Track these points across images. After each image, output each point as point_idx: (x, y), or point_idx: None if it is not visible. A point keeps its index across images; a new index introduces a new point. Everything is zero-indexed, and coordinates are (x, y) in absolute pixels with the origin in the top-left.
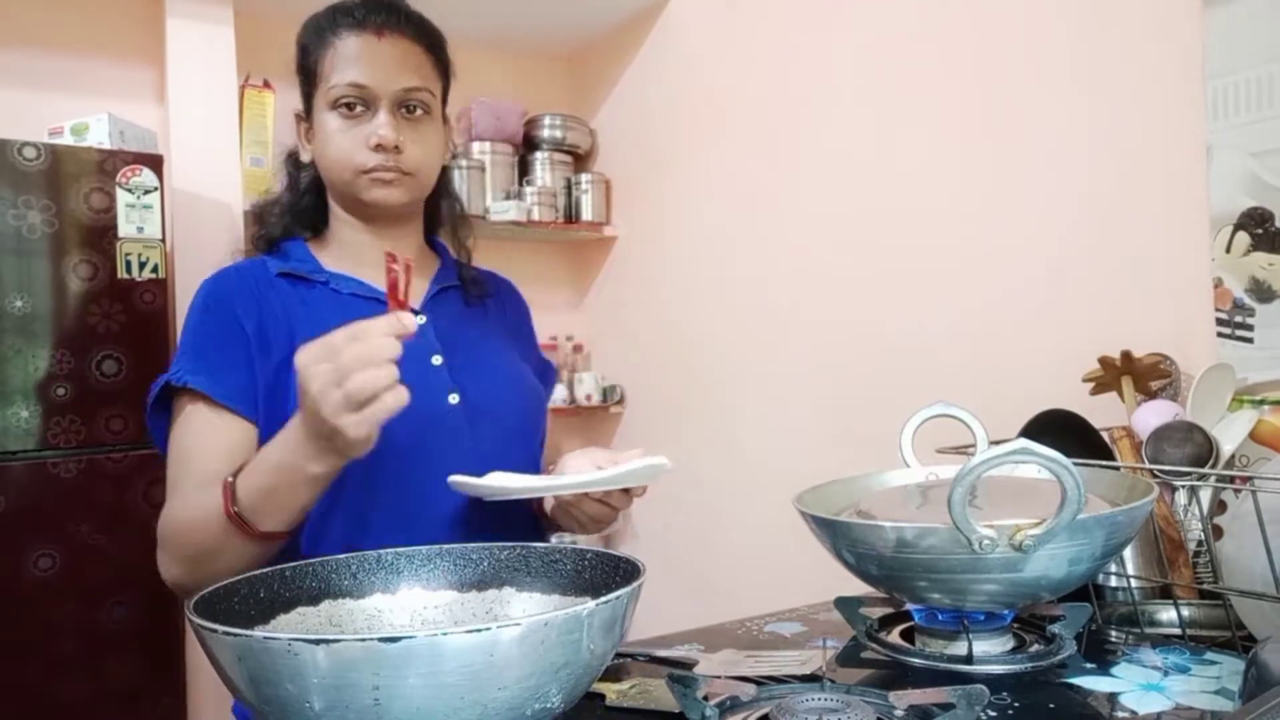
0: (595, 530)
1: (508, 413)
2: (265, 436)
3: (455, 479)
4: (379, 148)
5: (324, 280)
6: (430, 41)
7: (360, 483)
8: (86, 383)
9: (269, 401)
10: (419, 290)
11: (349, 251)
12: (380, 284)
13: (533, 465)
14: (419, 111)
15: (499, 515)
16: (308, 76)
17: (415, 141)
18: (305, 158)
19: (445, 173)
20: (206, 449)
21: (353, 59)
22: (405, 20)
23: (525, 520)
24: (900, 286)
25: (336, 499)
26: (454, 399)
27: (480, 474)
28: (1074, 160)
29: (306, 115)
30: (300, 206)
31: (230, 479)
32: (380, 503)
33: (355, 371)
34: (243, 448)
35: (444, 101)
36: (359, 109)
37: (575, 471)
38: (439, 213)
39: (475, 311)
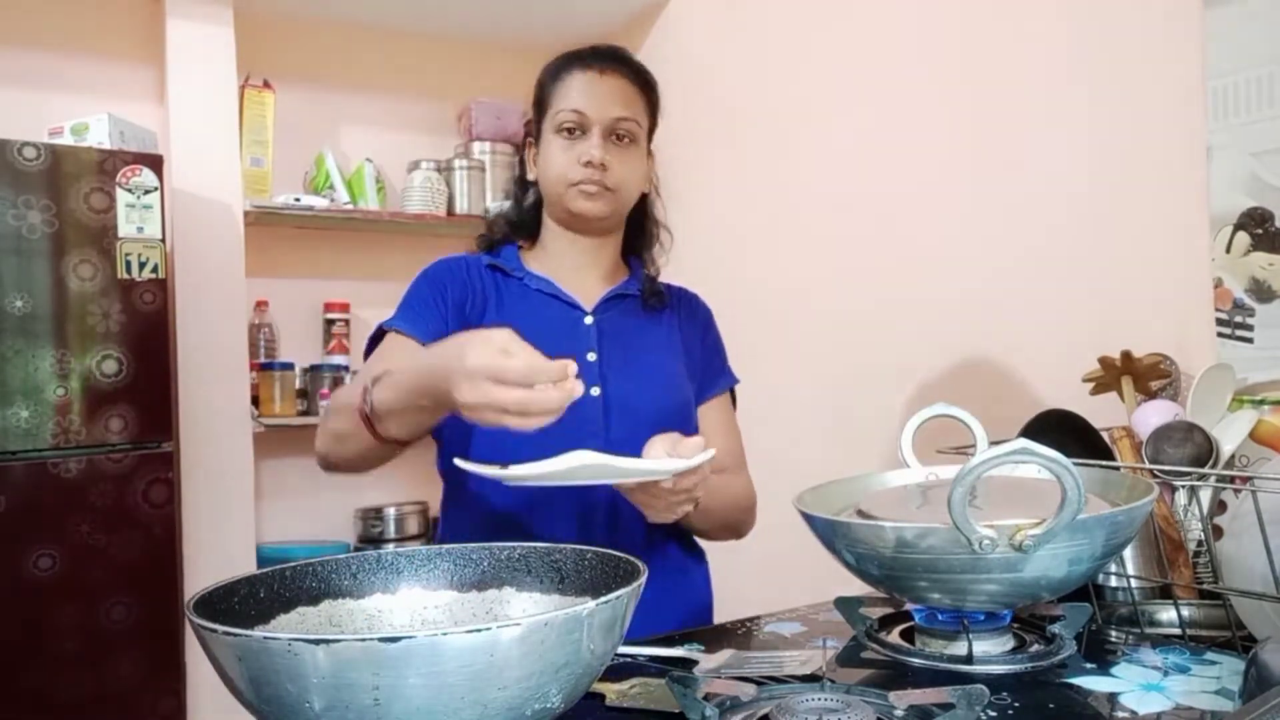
0: (674, 517)
1: (645, 408)
2: None
3: (460, 461)
4: (588, 164)
5: (520, 277)
6: (644, 83)
7: (501, 453)
8: (86, 383)
9: None
10: (598, 294)
11: (551, 256)
12: (566, 285)
13: None
14: (627, 139)
15: (614, 503)
16: (540, 108)
17: (620, 163)
18: (530, 177)
19: (646, 199)
20: (387, 358)
21: (577, 91)
22: (625, 64)
23: (632, 518)
24: (900, 286)
25: (484, 460)
26: (595, 391)
27: None
28: (1074, 160)
29: (535, 141)
30: (520, 220)
31: (369, 383)
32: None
33: (505, 409)
34: None
35: (650, 137)
36: (577, 133)
37: (653, 455)
38: (641, 236)
39: (648, 318)
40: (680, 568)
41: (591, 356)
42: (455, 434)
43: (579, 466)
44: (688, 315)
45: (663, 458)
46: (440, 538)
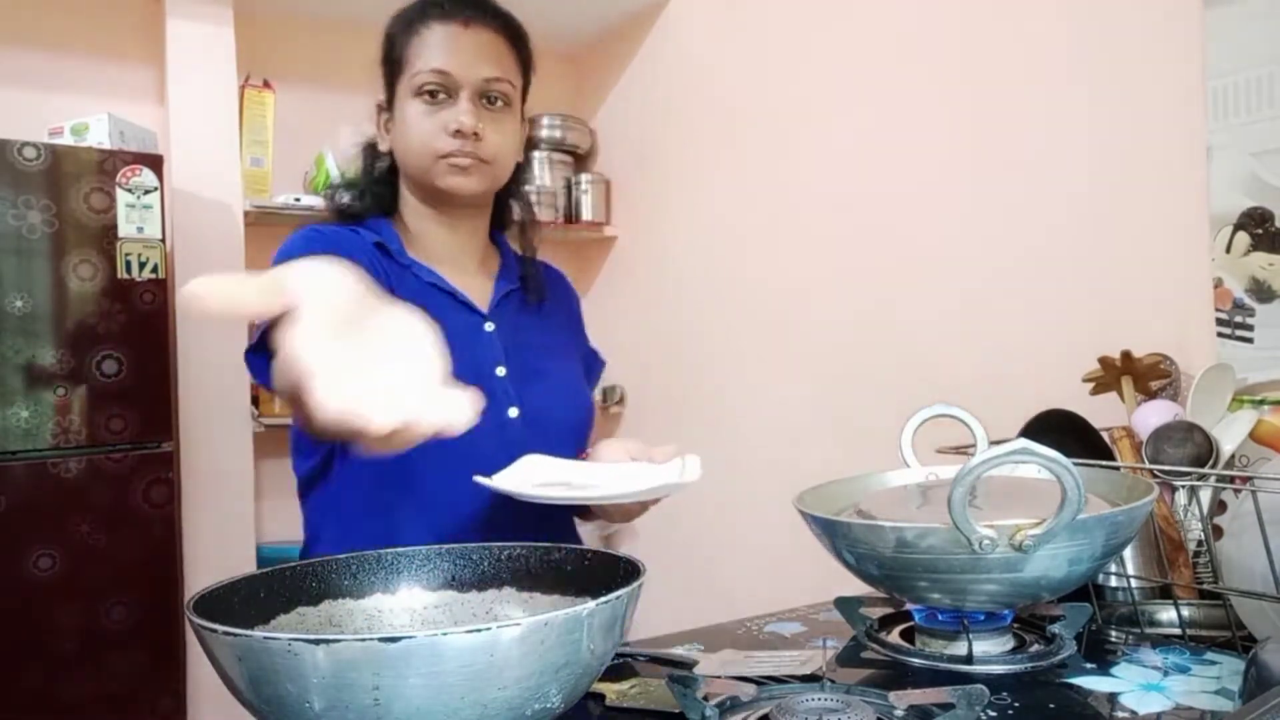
0: (626, 521)
1: (563, 427)
2: None
3: (480, 478)
4: (458, 134)
5: (406, 264)
6: (514, 35)
7: (403, 489)
8: (86, 383)
9: None
10: (485, 291)
11: (422, 242)
12: (450, 278)
13: None
14: (499, 103)
15: (538, 519)
16: (392, 66)
17: (494, 130)
18: (383, 147)
19: (519, 170)
20: None
21: (438, 47)
22: (491, 14)
23: (563, 516)
24: (900, 286)
25: (374, 503)
26: (513, 412)
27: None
28: (1074, 160)
29: (388, 105)
30: (373, 193)
31: None
32: (425, 509)
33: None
34: None
35: (524, 97)
36: (441, 96)
37: (609, 460)
38: (506, 210)
39: (534, 314)
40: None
41: (501, 371)
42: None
43: (601, 494)
44: (563, 297)
45: (626, 461)
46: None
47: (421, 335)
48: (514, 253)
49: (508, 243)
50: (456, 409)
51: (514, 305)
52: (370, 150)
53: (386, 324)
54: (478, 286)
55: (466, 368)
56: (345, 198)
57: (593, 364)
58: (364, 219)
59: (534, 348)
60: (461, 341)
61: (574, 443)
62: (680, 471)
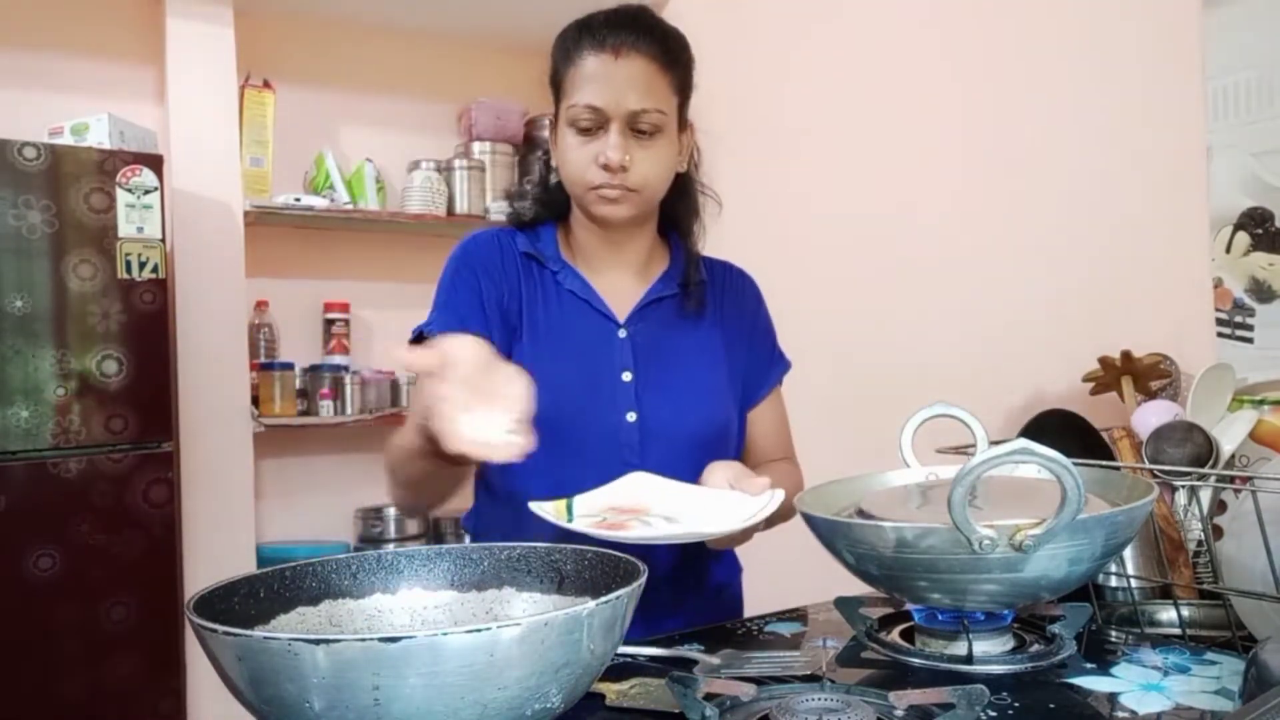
0: (725, 547)
1: (683, 433)
2: None
3: (534, 505)
4: (605, 168)
5: (555, 270)
6: (668, 58)
7: (535, 480)
8: (86, 383)
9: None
10: (634, 296)
11: (581, 248)
12: (600, 285)
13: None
14: (649, 131)
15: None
16: (555, 90)
17: (643, 159)
18: (555, 160)
19: (683, 177)
20: None
21: (590, 80)
22: (645, 37)
23: (696, 551)
24: (900, 286)
25: (514, 490)
26: (631, 417)
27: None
28: (1074, 160)
29: (555, 122)
30: (550, 200)
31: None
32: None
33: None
34: None
35: (683, 109)
36: (592, 129)
37: (712, 483)
38: (677, 211)
39: (686, 324)
40: (723, 580)
41: (627, 376)
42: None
43: (645, 515)
44: (734, 303)
45: (724, 488)
46: (475, 535)
47: (515, 390)
48: (684, 254)
49: (680, 246)
50: (499, 448)
51: (661, 314)
52: (544, 160)
53: (496, 380)
54: (627, 292)
55: (592, 371)
56: (520, 204)
57: (766, 367)
58: (534, 225)
59: (670, 357)
60: (592, 347)
61: (696, 451)
62: (765, 506)
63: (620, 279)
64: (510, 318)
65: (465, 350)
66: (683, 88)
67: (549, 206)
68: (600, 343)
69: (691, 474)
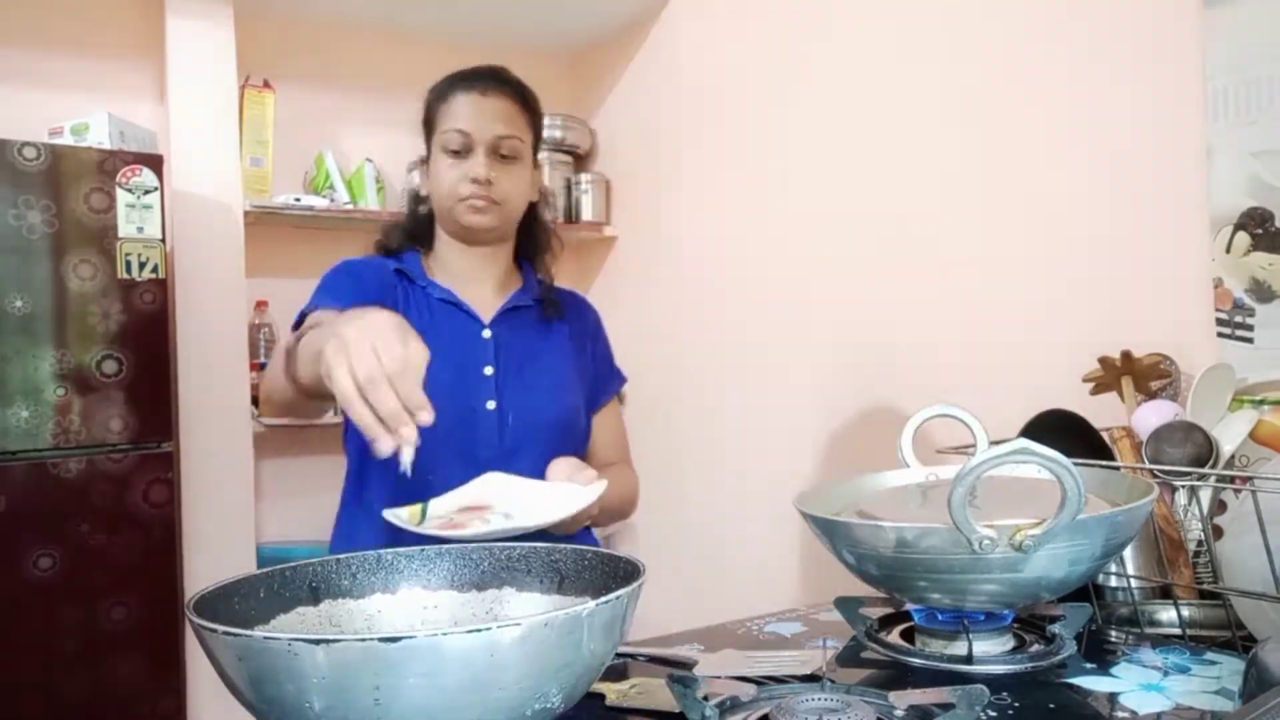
0: (574, 530)
1: (539, 419)
2: None
3: (387, 513)
4: (474, 181)
5: (424, 285)
6: (524, 102)
7: (389, 471)
8: (86, 383)
9: None
10: (494, 306)
11: (447, 266)
12: (465, 294)
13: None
14: (510, 156)
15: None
16: (428, 127)
17: (505, 178)
18: (424, 192)
19: (534, 207)
20: None
21: (460, 112)
22: (506, 84)
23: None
24: (900, 286)
25: (381, 474)
26: (490, 405)
27: (507, 470)
28: (1074, 160)
29: (426, 159)
30: (416, 229)
31: (293, 342)
32: (413, 485)
33: (357, 377)
34: None
35: (535, 150)
36: (462, 152)
37: (555, 476)
38: (531, 241)
39: (542, 328)
40: None
41: (489, 370)
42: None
43: (487, 514)
44: (577, 320)
45: (562, 480)
46: (333, 547)
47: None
48: (535, 278)
49: (531, 269)
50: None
51: (520, 319)
52: (414, 196)
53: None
54: (489, 302)
55: (458, 364)
56: (389, 237)
57: (608, 376)
58: (398, 252)
59: (528, 354)
60: (458, 343)
61: (550, 433)
62: (585, 495)
63: (482, 292)
64: None
65: (384, 315)
66: (536, 130)
67: (414, 235)
68: (467, 341)
69: (544, 457)
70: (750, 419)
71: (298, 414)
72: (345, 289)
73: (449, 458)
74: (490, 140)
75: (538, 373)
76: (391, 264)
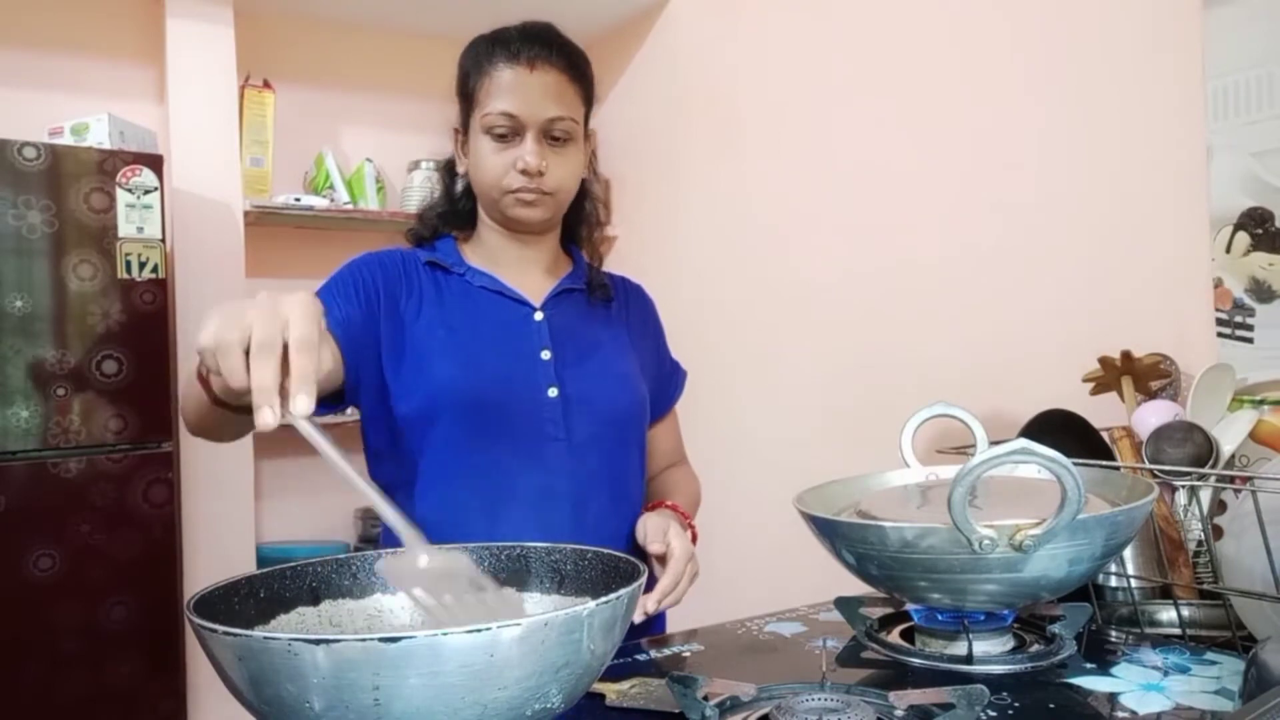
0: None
1: (605, 407)
2: (385, 387)
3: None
4: (524, 172)
5: (462, 273)
6: (577, 72)
7: (460, 457)
8: (86, 383)
9: (390, 357)
10: (545, 289)
11: (490, 251)
12: (510, 282)
13: (626, 460)
14: (562, 138)
15: (578, 504)
16: (466, 99)
17: (558, 165)
18: (460, 169)
19: (585, 185)
20: None
21: (506, 89)
22: (556, 52)
23: (605, 516)
24: (901, 286)
25: (430, 474)
26: (553, 392)
27: (571, 465)
28: (1074, 160)
29: (464, 131)
30: (454, 211)
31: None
32: (470, 483)
33: (246, 342)
34: None
35: (586, 120)
36: (509, 135)
37: (644, 530)
38: (579, 222)
39: (597, 312)
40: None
41: (546, 355)
42: (380, 441)
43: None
44: (638, 308)
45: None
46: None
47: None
48: (585, 261)
49: (580, 253)
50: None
51: (573, 302)
52: (449, 169)
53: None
54: (539, 286)
55: (512, 350)
56: (428, 216)
57: (670, 371)
58: (432, 241)
59: (585, 338)
60: (509, 329)
61: (615, 426)
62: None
63: (529, 277)
64: (406, 315)
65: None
66: (588, 99)
67: (451, 219)
68: (517, 325)
69: (613, 447)
70: (750, 419)
71: (210, 431)
72: (340, 296)
73: (513, 446)
74: (542, 124)
75: (598, 358)
76: (422, 255)
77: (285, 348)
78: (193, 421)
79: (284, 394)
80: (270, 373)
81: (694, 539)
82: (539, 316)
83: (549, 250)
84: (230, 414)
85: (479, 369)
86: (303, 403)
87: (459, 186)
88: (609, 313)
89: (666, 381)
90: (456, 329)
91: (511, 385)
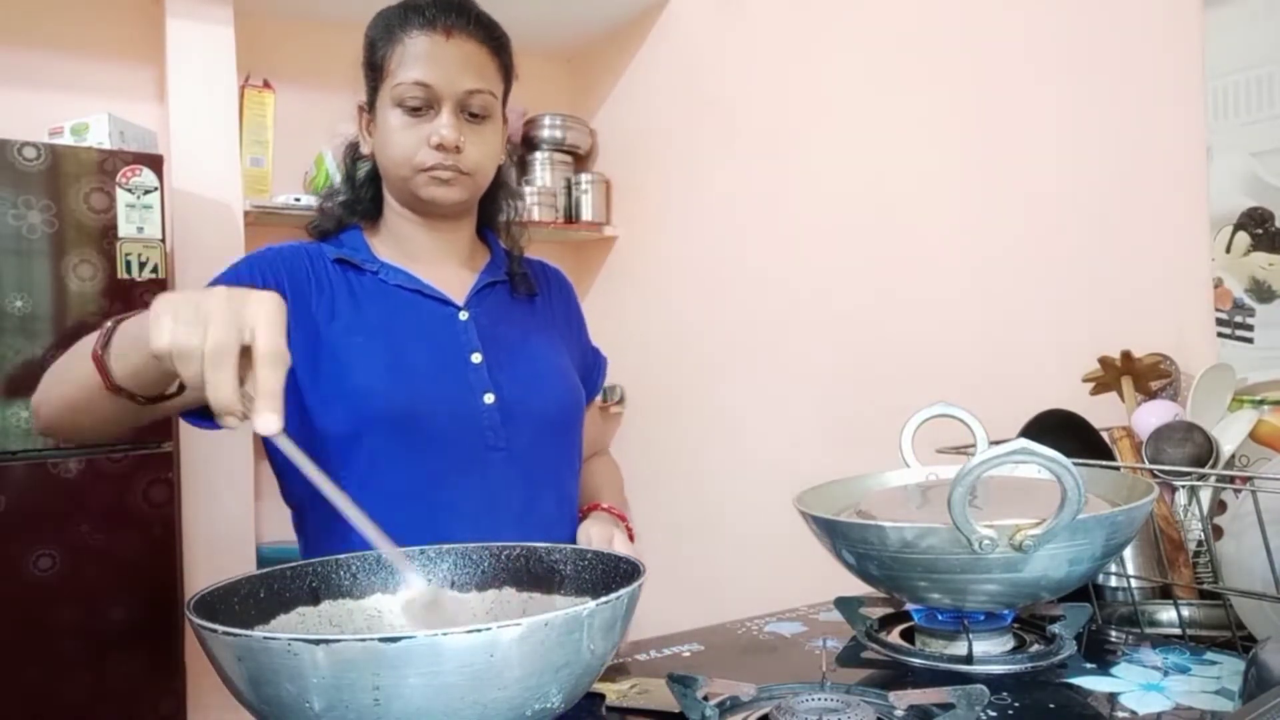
0: None
1: (544, 412)
2: (302, 400)
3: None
4: (440, 147)
5: (375, 270)
6: (496, 45)
7: (392, 474)
8: None
9: (305, 367)
10: (466, 284)
11: (401, 243)
12: (427, 277)
13: (568, 461)
14: (481, 115)
15: (523, 513)
16: (374, 71)
17: (475, 143)
18: (365, 150)
19: (501, 171)
20: None
21: (420, 58)
22: (474, 22)
23: (551, 522)
24: (900, 286)
25: (359, 496)
26: (489, 399)
27: (514, 474)
28: (1074, 160)
29: (370, 108)
30: (358, 198)
31: (112, 322)
32: (404, 503)
33: (204, 349)
34: None
35: (504, 102)
36: (422, 108)
37: (594, 539)
38: (495, 208)
39: (521, 305)
40: None
41: (476, 358)
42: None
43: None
44: (559, 294)
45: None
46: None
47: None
48: (504, 249)
49: (498, 240)
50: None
51: (497, 297)
52: (352, 152)
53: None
54: (458, 281)
55: (439, 354)
56: (329, 210)
57: (593, 361)
58: (336, 233)
59: (515, 337)
60: (433, 331)
61: (556, 430)
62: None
63: (446, 270)
64: (319, 319)
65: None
66: (507, 76)
67: (354, 208)
68: (442, 327)
69: (556, 450)
70: (750, 418)
71: (80, 424)
72: (231, 280)
73: (447, 459)
74: (459, 96)
75: (534, 359)
76: (329, 252)
77: (243, 352)
78: (57, 408)
79: (244, 398)
80: (229, 386)
81: (631, 538)
82: (464, 316)
83: (465, 238)
84: (128, 404)
85: (406, 378)
86: (270, 421)
87: (361, 171)
88: (534, 306)
89: (591, 370)
90: (375, 334)
91: (444, 394)
